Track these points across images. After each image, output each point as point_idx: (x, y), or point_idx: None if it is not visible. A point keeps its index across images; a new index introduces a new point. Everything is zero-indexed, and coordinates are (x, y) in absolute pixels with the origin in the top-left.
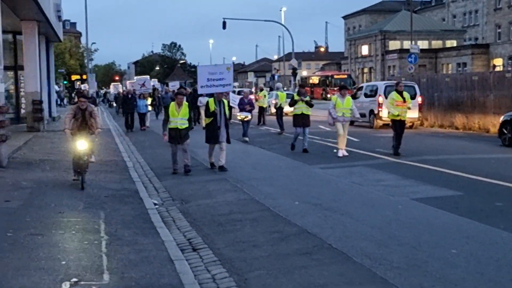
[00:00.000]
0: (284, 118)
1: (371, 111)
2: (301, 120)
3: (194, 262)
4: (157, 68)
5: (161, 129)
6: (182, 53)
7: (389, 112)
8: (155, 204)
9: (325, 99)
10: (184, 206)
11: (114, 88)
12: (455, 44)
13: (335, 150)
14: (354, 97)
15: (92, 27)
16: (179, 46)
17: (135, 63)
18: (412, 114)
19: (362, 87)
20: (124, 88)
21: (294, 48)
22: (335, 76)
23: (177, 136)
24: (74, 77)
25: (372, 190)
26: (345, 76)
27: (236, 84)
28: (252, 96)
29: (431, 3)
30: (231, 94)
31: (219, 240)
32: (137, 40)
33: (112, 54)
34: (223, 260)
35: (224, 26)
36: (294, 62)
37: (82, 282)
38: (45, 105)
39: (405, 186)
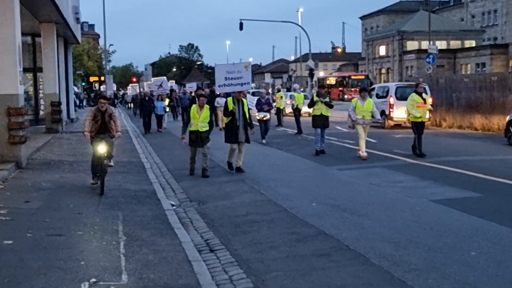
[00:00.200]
0: (302, 118)
1: (383, 112)
2: (320, 121)
3: (211, 263)
4: (174, 69)
5: (180, 131)
6: (199, 54)
7: (409, 114)
8: (173, 205)
9: (343, 100)
10: (202, 207)
11: (132, 90)
12: (473, 44)
13: (361, 155)
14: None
15: (110, 28)
16: (196, 47)
17: (152, 64)
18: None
19: (374, 88)
20: (141, 89)
21: (311, 48)
22: (352, 77)
23: (198, 139)
24: (92, 79)
25: (390, 191)
26: (363, 77)
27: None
28: (267, 96)
29: (449, 3)
30: (248, 96)
31: (236, 241)
32: (154, 41)
33: (129, 56)
34: (241, 261)
35: (241, 27)
36: (311, 63)
37: (100, 283)
38: (63, 107)
39: (423, 188)
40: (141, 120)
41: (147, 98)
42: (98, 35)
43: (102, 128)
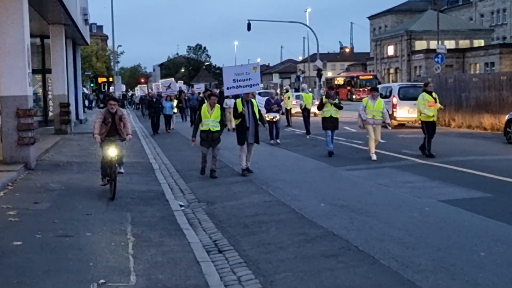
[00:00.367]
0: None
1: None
2: (330, 123)
3: (220, 264)
4: (182, 70)
5: (187, 131)
6: (207, 55)
7: (420, 114)
8: (181, 206)
9: (351, 100)
10: (210, 207)
11: (141, 90)
12: (482, 44)
13: (373, 157)
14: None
15: (118, 30)
16: (204, 48)
17: (161, 65)
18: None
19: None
20: (150, 90)
21: (319, 49)
22: (361, 77)
23: (209, 139)
24: (100, 80)
25: (399, 191)
26: (371, 77)
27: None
28: (277, 97)
29: (458, 2)
30: (257, 96)
31: (245, 241)
32: (163, 42)
33: (137, 57)
34: (249, 262)
35: (248, 28)
36: (319, 63)
37: (109, 284)
38: (72, 108)
39: (432, 188)
40: (149, 120)
41: (154, 100)
42: (107, 36)
43: (112, 130)
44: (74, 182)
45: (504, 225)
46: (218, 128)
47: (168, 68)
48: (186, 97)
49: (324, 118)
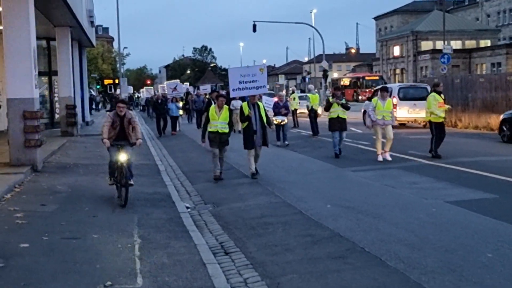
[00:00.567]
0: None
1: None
2: (337, 124)
3: (226, 266)
4: (188, 71)
5: (193, 133)
6: (213, 57)
7: (431, 114)
8: (187, 208)
9: (357, 100)
10: (216, 209)
11: (147, 92)
12: (489, 44)
13: (382, 158)
14: (370, 99)
15: (124, 31)
16: (210, 49)
17: (166, 67)
18: (425, 114)
19: (378, 89)
20: (156, 92)
21: (324, 49)
22: (367, 78)
23: (217, 140)
24: (106, 82)
25: (405, 192)
26: (377, 77)
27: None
28: (285, 100)
29: (464, 2)
30: (264, 97)
31: (251, 243)
32: (168, 44)
33: (143, 58)
34: (255, 263)
35: (254, 29)
36: (325, 64)
37: (116, 286)
38: (78, 110)
39: (439, 189)
40: (155, 122)
41: (159, 101)
42: (113, 38)
43: (121, 134)
44: (81, 184)
45: (511, 226)
46: (227, 130)
47: (174, 70)
48: (192, 99)
49: (331, 119)
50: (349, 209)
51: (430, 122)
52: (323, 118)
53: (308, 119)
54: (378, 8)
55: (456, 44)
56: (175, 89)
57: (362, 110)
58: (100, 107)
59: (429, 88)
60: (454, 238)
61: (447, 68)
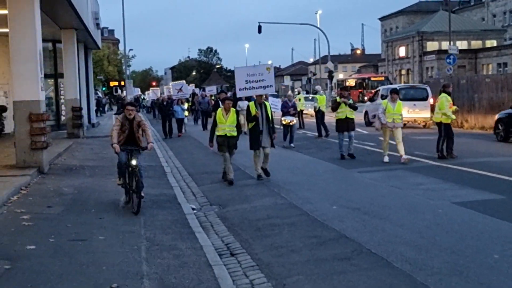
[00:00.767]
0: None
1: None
2: (345, 125)
3: (232, 267)
4: (194, 73)
5: (199, 135)
6: (218, 58)
7: (442, 115)
8: (193, 209)
9: (362, 101)
10: (222, 210)
11: (153, 94)
12: (495, 44)
13: (403, 160)
14: (372, 99)
15: (130, 33)
16: (215, 51)
17: (172, 68)
18: (424, 114)
19: (379, 90)
20: (161, 93)
21: (330, 50)
22: (372, 79)
23: (225, 144)
24: (112, 84)
25: (412, 194)
26: (382, 78)
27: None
28: (294, 100)
29: (469, 2)
30: (270, 98)
31: (257, 245)
32: (174, 45)
33: (149, 60)
34: (261, 265)
35: (259, 30)
36: (330, 65)
37: (122, 287)
38: (84, 112)
39: (445, 190)
40: (161, 124)
41: (165, 103)
42: (118, 40)
43: (130, 138)
44: (87, 186)
45: None
46: (235, 133)
47: (179, 71)
48: (198, 100)
49: (339, 120)
50: (355, 210)
51: (439, 123)
52: (330, 118)
53: (313, 120)
54: (384, 9)
55: (462, 45)
56: (180, 90)
57: (364, 111)
58: (106, 109)
59: (428, 89)
60: (461, 239)
61: (453, 68)
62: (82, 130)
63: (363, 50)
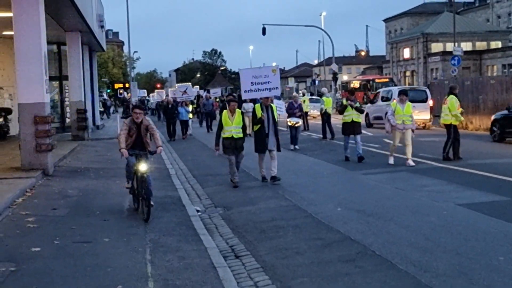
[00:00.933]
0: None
1: (386, 114)
2: (352, 128)
3: (236, 269)
4: (198, 75)
5: (204, 137)
6: (223, 60)
7: (452, 117)
8: (198, 211)
9: (367, 103)
10: (226, 213)
11: (158, 96)
12: (500, 45)
13: (408, 164)
14: (372, 101)
15: (134, 35)
16: (220, 52)
17: (176, 70)
18: (424, 116)
19: (379, 92)
20: (166, 95)
21: (334, 52)
22: (377, 80)
23: (232, 147)
24: (117, 86)
25: (416, 195)
26: (387, 80)
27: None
28: (299, 101)
29: (474, 3)
30: (275, 101)
31: (262, 247)
32: (178, 47)
33: (153, 62)
34: (266, 267)
35: (264, 32)
36: (334, 66)
37: None
38: (89, 114)
39: (449, 191)
40: (165, 126)
41: (170, 106)
42: (123, 42)
43: (138, 142)
44: (92, 188)
45: None
46: (241, 135)
47: (184, 73)
48: (202, 102)
49: (345, 123)
50: (360, 212)
51: (449, 125)
52: (335, 120)
53: (317, 122)
54: (388, 11)
55: (466, 46)
56: (185, 92)
57: (365, 113)
58: (111, 111)
59: (428, 91)
60: (465, 241)
61: (457, 70)
62: (87, 132)
63: (368, 51)
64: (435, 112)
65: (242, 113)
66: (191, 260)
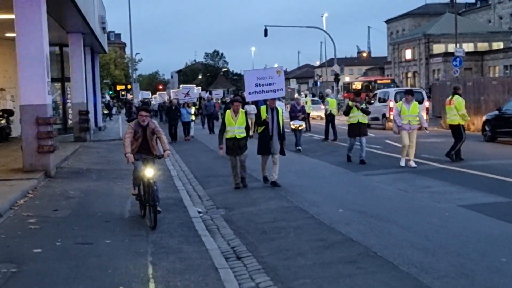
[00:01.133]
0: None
1: (383, 115)
2: (357, 130)
3: (238, 271)
4: (200, 76)
5: (206, 138)
6: (225, 61)
7: (460, 117)
8: (199, 212)
9: (369, 103)
10: (228, 214)
11: (160, 97)
12: (502, 46)
13: (405, 163)
14: (370, 102)
15: (136, 37)
16: (222, 54)
17: (178, 72)
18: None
19: (376, 93)
20: (168, 97)
21: (336, 53)
22: (378, 81)
23: (236, 147)
24: (119, 87)
25: (418, 196)
26: (389, 81)
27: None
28: (302, 103)
29: (476, 4)
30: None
31: (263, 248)
32: (180, 49)
33: (155, 64)
34: (268, 268)
35: (265, 34)
36: (336, 67)
37: None
38: (91, 115)
39: (451, 193)
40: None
41: (173, 108)
42: (125, 44)
43: (144, 146)
44: (93, 189)
45: None
46: (244, 135)
47: (186, 75)
48: (204, 103)
49: (351, 125)
50: (362, 213)
51: (457, 125)
52: (338, 122)
53: (319, 123)
54: (390, 12)
55: (468, 47)
56: (187, 94)
57: None
58: (114, 112)
59: (424, 93)
60: (467, 243)
61: (459, 71)
62: (89, 134)
63: (369, 52)
64: (437, 113)
65: (246, 114)
66: (192, 261)
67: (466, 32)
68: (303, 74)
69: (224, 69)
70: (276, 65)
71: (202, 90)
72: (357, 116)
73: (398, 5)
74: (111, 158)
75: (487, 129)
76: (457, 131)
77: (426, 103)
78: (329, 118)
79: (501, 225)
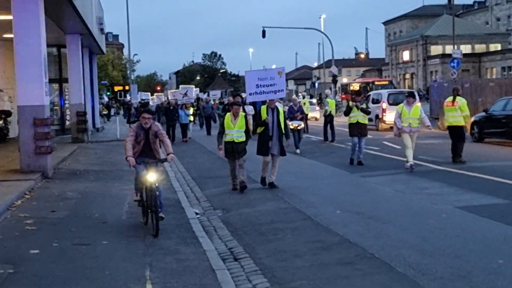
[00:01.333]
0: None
1: (377, 116)
2: (357, 130)
3: (235, 272)
4: (198, 77)
5: (203, 140)
6: (223, 62)
7: (464, 118)
8: (197, 214)
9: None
10: (225, 215)
11: (158, 99)
12: (499, 48)
13: (407, 165)
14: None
15: (134, 38)
16: (219, 55)
17: (176, 73)
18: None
19: (370, 95)
20: (165, 98)
21: (334, 55)
22: (376, 83)
23: (234, 151)
24: (116, 88)
25: (415, 198)
26: (387, 82)
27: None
28: (299, 104)
29: (473, 6)
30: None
31: (260, 249)
32: (178, 50)
33: (153, 65)
34: (265, 269)
35: (263, 35)
36: (334, 69)
37: None
38: (89, 116)
39: (449, 194)
40: (165, 128)
41: (171, 108)
42: (123, 45)
43: (146, 150)
44: (91, 190)
45: None
46: (243, 139)
47: (184, 76)
48: (202, 105)
49: (351, 124)
50: (359, 214)
51: (462, 126)
52: (340, 122)
53: (316, 124)
54: (387, 13)
55: (466, 49)
56: (185, 94)
57: None
58: (112, 113)
59: (416, 94)
60: (465, 244)
61: (457, 72)
62: (86, 135)
63: (367, 54)
64: (434, 115)
65: (246, 117)
66: (189, 262)
67: (464, 34)
68: (301, 75)
69: (222, 70)
70: (273, 66)
71: (200, 91)
72: (357, 116)
73: (396, 7)
74: (108, 159)
75: (475, 130)
76: (460, 132)
77: (418, 104)
78: (328, 119)
79: (498, 227)
